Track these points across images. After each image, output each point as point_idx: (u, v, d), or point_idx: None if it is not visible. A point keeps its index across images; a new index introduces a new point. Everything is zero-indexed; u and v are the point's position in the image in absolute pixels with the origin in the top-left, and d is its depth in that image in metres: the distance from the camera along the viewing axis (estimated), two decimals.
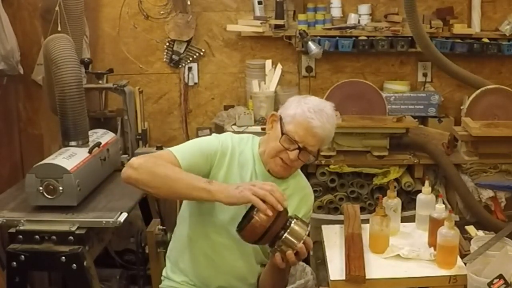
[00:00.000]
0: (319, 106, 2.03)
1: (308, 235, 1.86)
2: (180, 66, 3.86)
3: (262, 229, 1.80)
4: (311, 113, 1.99)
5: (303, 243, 1.83)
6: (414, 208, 2.45)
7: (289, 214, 1.89)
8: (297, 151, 2.00)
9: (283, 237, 1.83)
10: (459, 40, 3.65)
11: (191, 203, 2.11)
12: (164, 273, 2.26)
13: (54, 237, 2.46)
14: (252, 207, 1.82)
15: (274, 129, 2.07)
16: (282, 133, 2.01)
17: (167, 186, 1.87)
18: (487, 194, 3.28)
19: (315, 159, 2.07)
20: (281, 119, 2.04)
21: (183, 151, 2.01)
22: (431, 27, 3.64)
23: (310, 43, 3.57)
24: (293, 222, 1.85)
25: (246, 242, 1.86)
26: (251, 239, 1.84)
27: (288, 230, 1.83)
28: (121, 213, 2.55)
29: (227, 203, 1.83)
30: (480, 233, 2.35)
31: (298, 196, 2.15)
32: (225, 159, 2.05)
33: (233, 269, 2.12)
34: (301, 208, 2.14)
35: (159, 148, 3.21)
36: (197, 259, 2.13)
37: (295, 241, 1.83)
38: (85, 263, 2.45)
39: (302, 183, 2.21)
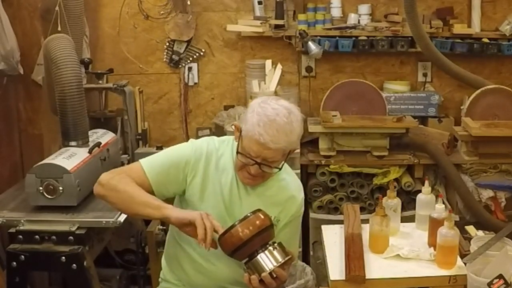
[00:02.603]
0: (270, 117, 1.89)
1: (284, 263, 1.79)
2: (180, 66, 3.86)
3: (238, 242, 1.77)
4: (260, 127, 1.87)
5: (274, 272, 1.78)
6: (414, 208, 2.45)
7: (275, 239, 1.84)
8: (257, 165, 1.94)
9: (254, 258, 1.79)
10: (459, 40, 3.64)
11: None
12: (161, 275, 2.25)
13: (54, 237, 2.47)
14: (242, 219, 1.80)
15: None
16: (237, 151, 1.96)
17: (125, 202, 1.94)
18: (487, 194, 3.28)
19: (280, 169, 1.99)
20: (241, 131, 1.96)
21: (153, 162, 2.03)
22: (431, 27, 3.63)
23: (310, 43, 3.57)
24: (270, 247, 1.80)
25: (224, 251, 1.82)
26: (227, 249, 1.81)
27: (262, 254, 1.79)
28: (121, 213, 2.55)
29: (174, 218, 1.84)
30: (480, 233, 2.35)
31: (282, 196, 2.07)
32: (199, 165, 2.02)
33: (225, 274, 2.08)
34: (288, 210, 2.07)
35: (159, 148, 3.21)
36: (186, 265, 2.11)
37: (262, 267, 1.78)
38: (85, 263, 2.46)
39: (288, 183, 2.11)
